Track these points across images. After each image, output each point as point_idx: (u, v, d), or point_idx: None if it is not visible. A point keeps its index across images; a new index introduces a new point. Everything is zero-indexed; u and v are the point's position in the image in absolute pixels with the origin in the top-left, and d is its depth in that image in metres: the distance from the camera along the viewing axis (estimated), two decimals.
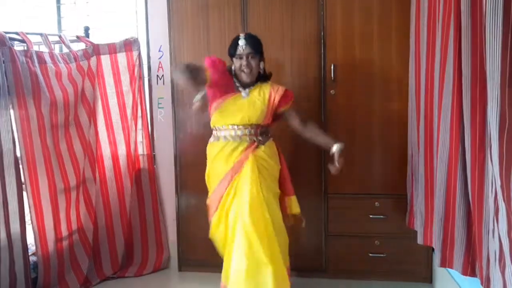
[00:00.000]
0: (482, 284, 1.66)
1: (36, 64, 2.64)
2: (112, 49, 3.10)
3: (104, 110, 3.14)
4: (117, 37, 3.15)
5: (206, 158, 2.47)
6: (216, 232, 2.39)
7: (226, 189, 2.31)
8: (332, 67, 2.79)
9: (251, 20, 2.86)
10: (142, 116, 3.18)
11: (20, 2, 3.72)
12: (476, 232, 1.69)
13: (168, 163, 3.15)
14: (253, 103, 2.33)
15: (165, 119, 3.18)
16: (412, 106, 2.50)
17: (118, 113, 3.16)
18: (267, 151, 2.36)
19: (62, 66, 2.82)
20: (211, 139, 2.45)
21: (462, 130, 1.70)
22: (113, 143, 3.17)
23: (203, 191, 2.50)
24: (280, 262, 2.23)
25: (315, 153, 2.87)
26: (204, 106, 2.36)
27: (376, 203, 2.83)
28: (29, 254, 2.66)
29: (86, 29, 3.24)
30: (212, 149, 2.42)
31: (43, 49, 2.84)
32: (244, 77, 2.34)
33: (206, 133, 2.61)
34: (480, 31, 1.50)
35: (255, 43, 2.32)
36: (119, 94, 3.14)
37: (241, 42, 2.28)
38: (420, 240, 2.31)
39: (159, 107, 3.22)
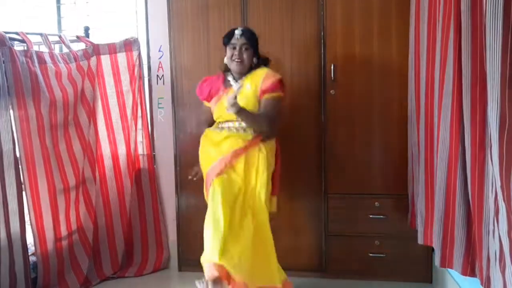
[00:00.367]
0: (482, 284, 1.66)
1: (36, 64, 2.64)
2: (112, 49, 3.10)
3: (104, 110, 3.14)
4: (117, 37, 3.15)
5: None
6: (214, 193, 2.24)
7: (224, 166, 2.26)
8: (332, 67, 2.79)
9: (251, 20, 2.86)
10: (142, 116, 3.18)
11: (20, 2, 3.72)
12: (476, 232, 1.69)
13: (168, 163, 3.15)
14: (245, 96, 2.30)
15: (165, 119, 3.18)
16: (412, 106, 2.49)
17: (118, 113, 3.16)
18: (268, 148, 2.36)
19: (62, 66, 2.82)
20: (215, 128, 2.43)
21: (462, 130, 1.70)
22: (113, 143, 3.17)
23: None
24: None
25: (315, 153, 2.87)
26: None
27: (376, 203, 2.83)
28: (29, 254, 2.66)
29: (86, 29, 3.24)
30: (215, 135, 2.38)
31: (43, 49, 2.84)
32: (234, 67, 2.33)
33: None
34: (480, 32, 1.50)
35: (251, 36, 2.33)
36: (119, 94, 3.14)
37: (237, 32, 2.30)
38: (420, 240, 2.31)
39: (159, 107, 3.22)
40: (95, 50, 3.06)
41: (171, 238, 3.26)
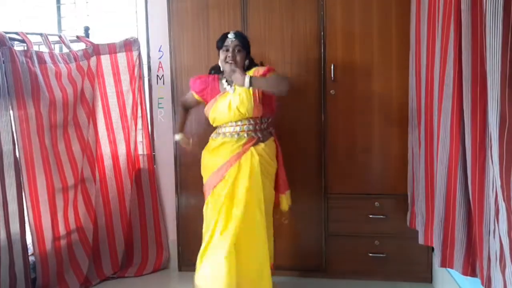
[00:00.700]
0: (483, 284, 1.65)
1: (36, 64, 2.64)
2: (112, 49, 3.10)
3: (104, 110, 3.14)
4: (117, 37, 3.15)
5: None
6: (206, 209, 2.46)
7: (220, 180, 2.37)
8: (332, 67, 2.79)
9: (251, 20, 2.86)
10: (142, 116, 3.19)
11: (20, 2, 3.72)
12: (477, 232, 1.69)
13: (168, 163, 3.15)
14: (239, 95, 2.35)
15: (165, 119, 3.19)
16: (413, 105, 2.50)
17: (118, 113, 3.16)
18: (267, 149, 2.40)
19: (62, 66, 2.82)
20: (213, 135, 2.51)
21: (462, 130, 1.70)
22: (113, 143, 3.17)
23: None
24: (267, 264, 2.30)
25: (315, 153, 2.87)
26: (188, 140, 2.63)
27: (376, 203, 2.83)
28: (29, 254, 2.66)
29: (86, 29, 3.24)
30: (212, 143, 2.48)
31: (43, 49, 2.84)
32: (228, 68, 2.37)
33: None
34: (480, 31, 1.50)
35: (243, 39, 2.41)
36: (119, 94, 3.14)
37: (230, 36, 2.38)
38: (421, 240, 2.31)
39: (159, 107, 3.22)
40: (95, 50, 3.06)
41: (171, 238, 3.26)
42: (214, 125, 2.50)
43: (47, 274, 2.75)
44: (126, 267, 3.18)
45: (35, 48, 2.79)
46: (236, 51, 2.36)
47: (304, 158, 2.89)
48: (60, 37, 2.99)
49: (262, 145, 2.39)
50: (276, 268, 2.94)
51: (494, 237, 1.48)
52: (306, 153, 2.88)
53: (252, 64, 2.46)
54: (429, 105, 2.13)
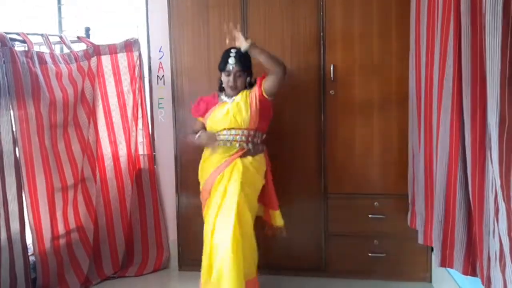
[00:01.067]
0: (483, 283, 1.66)
1: (37, 65, 2.64)
2: (112, 50, 3.10)
3: (104, 110, 3.14)
4: (117, 38, 3.16)
5: None
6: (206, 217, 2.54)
7: (210, 188, 2.47)
8: (331, 68, 2.79)
9: (251, 20, 2.87)
10: (142, 116, 3.19)
11: (20, 2, 3.72)
12: (477, 232, 1.70)
13: (168, 163, 3.15)
14: (237, 105, 2.44)
15: (166, 119, 3.19)
16: (413, 105, 2.50)
17: (118, 113, 3.16)
18: (254, 163, 2.46)
19: (62, 66, 2.82)
20: None
21: (462, 130, 1.71)
22: (113, 143, 3.17)
23: None
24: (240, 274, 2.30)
25: (315, 153, 2.88)
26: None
27: (375, 203, 2.83)
28: (29, 254, 2.67)
29: (87, 30, 3.24)
30: (206, 151, 2.58)
31: (44, 49, 2.85)
32: (229, 92, 2.49)
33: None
34: (480, 31, 1.50)
35: (244, 61, 2.44)
36: (120, 94, 3.14)
37: (231, 61, 2.42)
38: (420, 240, 2.32)
39: (159, 107, 3.22)
40: (96, 51, 3.06)
41: (171, 238, 3.26)
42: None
43: (47, 274, 2.75)
44: (126, 266, 3.18)
45: (36, 48, 2.80)
46: (237, 76, 2.43)
47: (304, 158, 2.89)
48: (60, 37, 2.99)
49: (250, 158, 2.44)
50: (276, 268, 2.96)
51: (494, 237, 1.48)
52: (306, 153, 2.88)
53: (254, 82, 2.52)
54: (429, 105, 2.14)
